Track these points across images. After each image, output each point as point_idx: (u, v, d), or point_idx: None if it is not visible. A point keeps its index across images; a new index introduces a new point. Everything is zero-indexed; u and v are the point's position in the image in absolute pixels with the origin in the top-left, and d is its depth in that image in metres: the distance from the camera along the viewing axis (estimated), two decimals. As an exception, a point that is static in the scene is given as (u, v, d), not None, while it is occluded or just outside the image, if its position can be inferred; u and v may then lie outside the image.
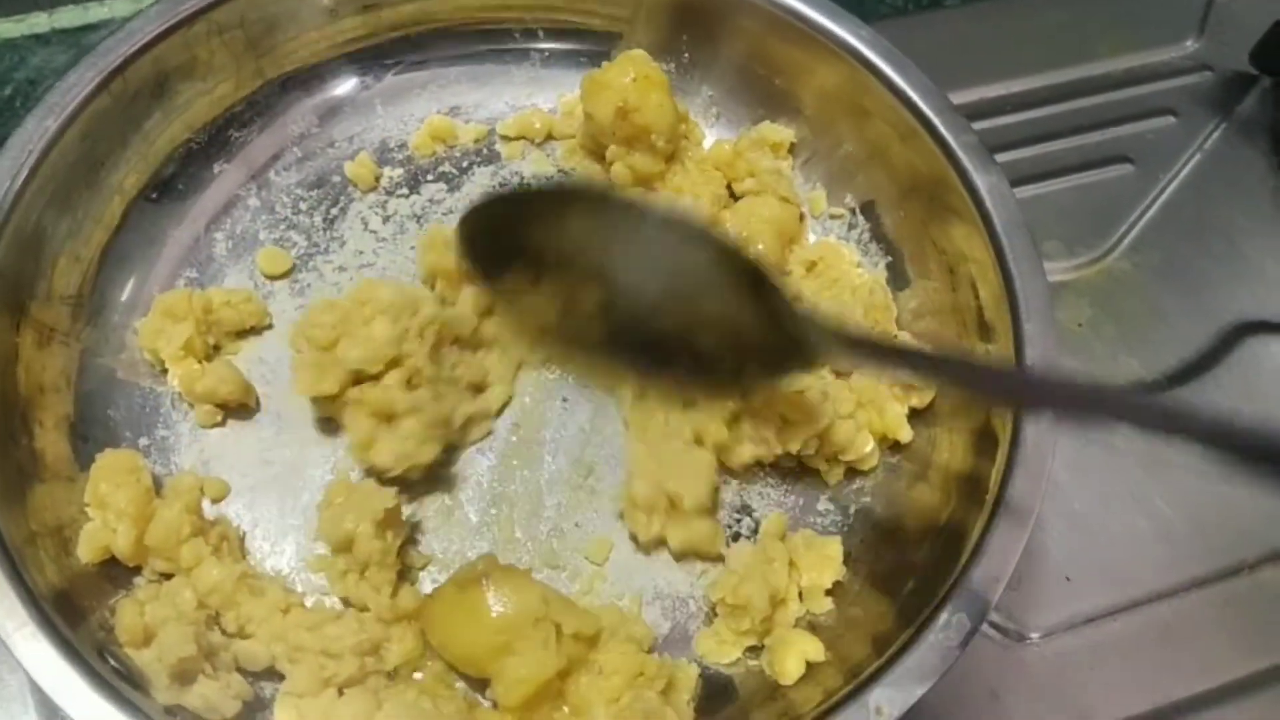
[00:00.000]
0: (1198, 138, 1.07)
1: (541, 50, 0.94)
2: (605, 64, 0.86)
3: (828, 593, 0.74)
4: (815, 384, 0.76)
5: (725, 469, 0.79)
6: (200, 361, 0.79)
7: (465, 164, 0.91)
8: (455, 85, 0.93)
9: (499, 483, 0.79)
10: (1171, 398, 0.92)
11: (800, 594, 0.74)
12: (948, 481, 0.75)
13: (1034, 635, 0.81)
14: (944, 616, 0.64)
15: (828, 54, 0.84)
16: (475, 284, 0.80)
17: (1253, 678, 0.81)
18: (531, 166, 0.91)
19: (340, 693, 0.68)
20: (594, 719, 0.67)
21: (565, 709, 0.68)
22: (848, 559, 0.76)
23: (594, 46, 0.93)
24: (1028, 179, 1.01)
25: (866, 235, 0.87)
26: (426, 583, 0.75)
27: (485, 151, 0.91)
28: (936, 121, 0.80)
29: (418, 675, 0.71)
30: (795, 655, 0.70)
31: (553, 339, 0.78)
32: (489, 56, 0.94)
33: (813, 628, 0.74)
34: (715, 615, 0.74)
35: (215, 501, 0.76)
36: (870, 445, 0.78)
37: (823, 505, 0.79)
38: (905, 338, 0.82)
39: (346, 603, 0.73)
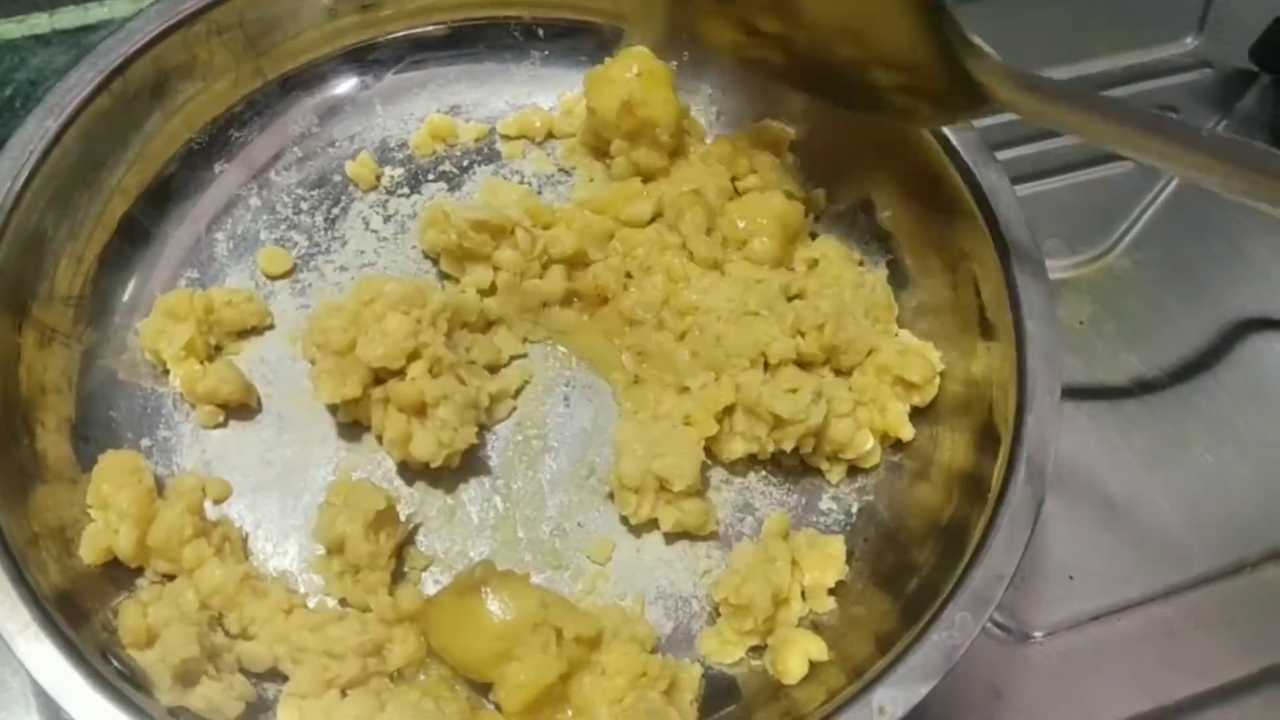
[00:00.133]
0: (1198, 135, 1.07)
1: (541, 49, 0.94)
2: (608, 60, 0.86)
3: (830, 592, 0.74)
4: (810, 383, 0.76)
5: (725, 466, 0.79)
6: (202, 362, 0.79)
7: (466, 163, 0.90)
8: (455, 84, 0.93)
9: (501, 482, 0.79)
10: (1175, 395, 0.92)
11: (803, 593, 0.74)
12: (950, 480, 0.75)
13: (1037, 634, 0.81)
14: (947, 615, 0.63)
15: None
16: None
17: (1255, 677, 0.81)
18: (532, 165, 0.91)
19: (343, 694, 0.67)
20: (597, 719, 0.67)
21: (568, 710, 0.68)
22: (850, 558, 0.76)
23: (594, 45, 0.93)
24: (1028, 176, 1.01)
25: (867, 233, 0.87)
26: (429, 583, 0.75)
27: (486, 150, 0.91)
28: (937, 120, 0.80)
29: (421, 676, 0.71)
30: (798, 655, 0.70)
31: (553, 317, 0.81)
32: (489, 55, 0.94)
33: (815, 627, 0.73)
34: (718, 615, 0.74)
35: (217, 502, 0.76)
36: (871, 443, 0.78)
37: (825, 504, 0.79)
38: (906, 336, 0.82)
39: (344, 603, 0.73)
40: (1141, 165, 1.03)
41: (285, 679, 0.69)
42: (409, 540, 0.76)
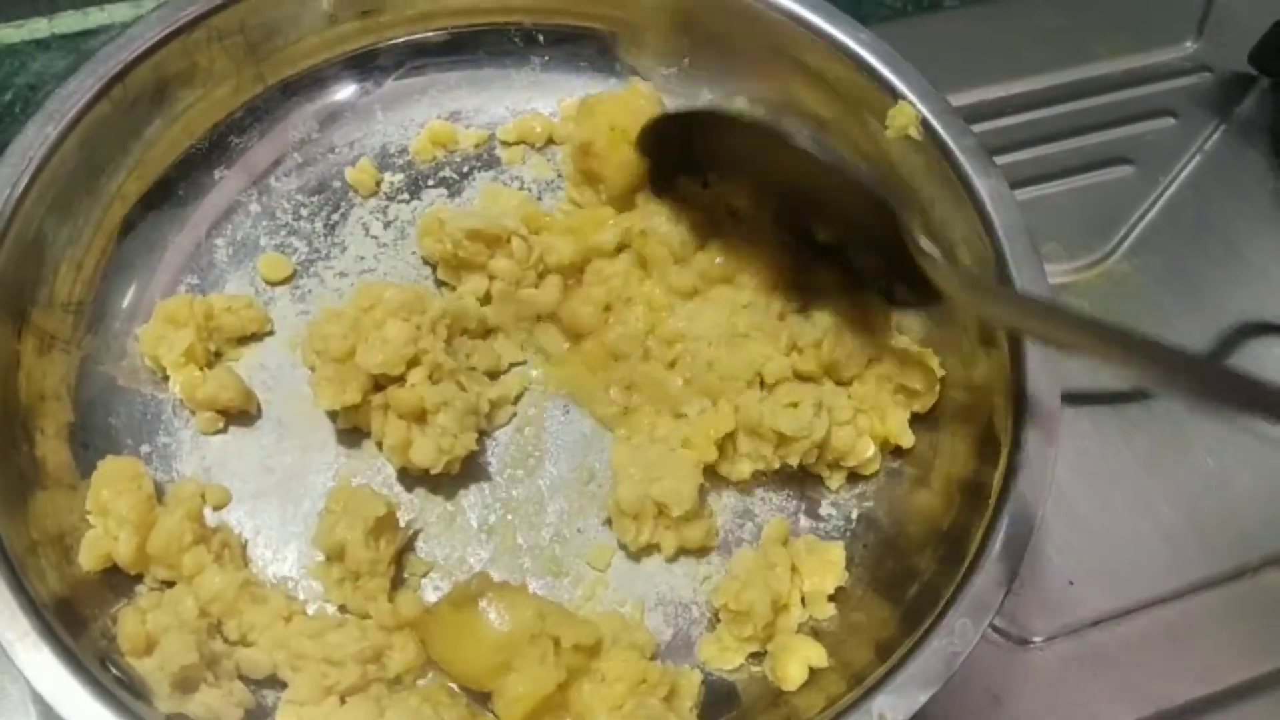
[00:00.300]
0: (1197, 139, 1.07)
1: (541, 54, 0.94)
2: (612, 92, 0.86)
3: (830, 598, 0.74)
4: (810, 394, 0.76)
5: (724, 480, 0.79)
6: (201, 368, 0.79)
7: (466, 169, 0.90)
8: (455, 90, 0.93)
9: (501, 489, 0.79)
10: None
11: (803, 599, 0.74)
12: (950, 486, 0.75)
13: (1036, 639, 0.81)
14: (947, 622, 0.64)
15: (827, 58, 0.84)
16: (653, 191, 0.84)
17: (1256, 681, 0.81)
18: (532, 171, 0.91)
19: (342, 701, 0.67)
20: (597, 727, 0.67)
21: (568, 718, 0.68)
22: (850, 564, 0.76)
23: (594, 51, 0.93)
24: (1027, 181, 1.01)
25: (867, 239, 0.87)
26: (429, 589, 0.75)
27: (485, 156, 0.91)
28: (936, 125, 0.80)
29: (420, 683, 0.71)
30: (798, 661, 0.70)
31: (541, 337, 0.82)
32: (489, 61, 0.94)
33: (815, 633, 0.73)
34: (718, 621, 0.74)
35: (217, 509, 0.76)
36: (871, 450, 0.78)
37: (825, 510, 0.79)
38: (905, 342, 0.82)
39: (343, 610, 0.73)
40: (1140, 169, 1.04)
41: (284, 686, 0.68)
42: (409, 546, 0.76)
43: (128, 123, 0.81)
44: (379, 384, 0.75)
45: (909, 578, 0.72)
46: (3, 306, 0.72)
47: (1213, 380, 0.60)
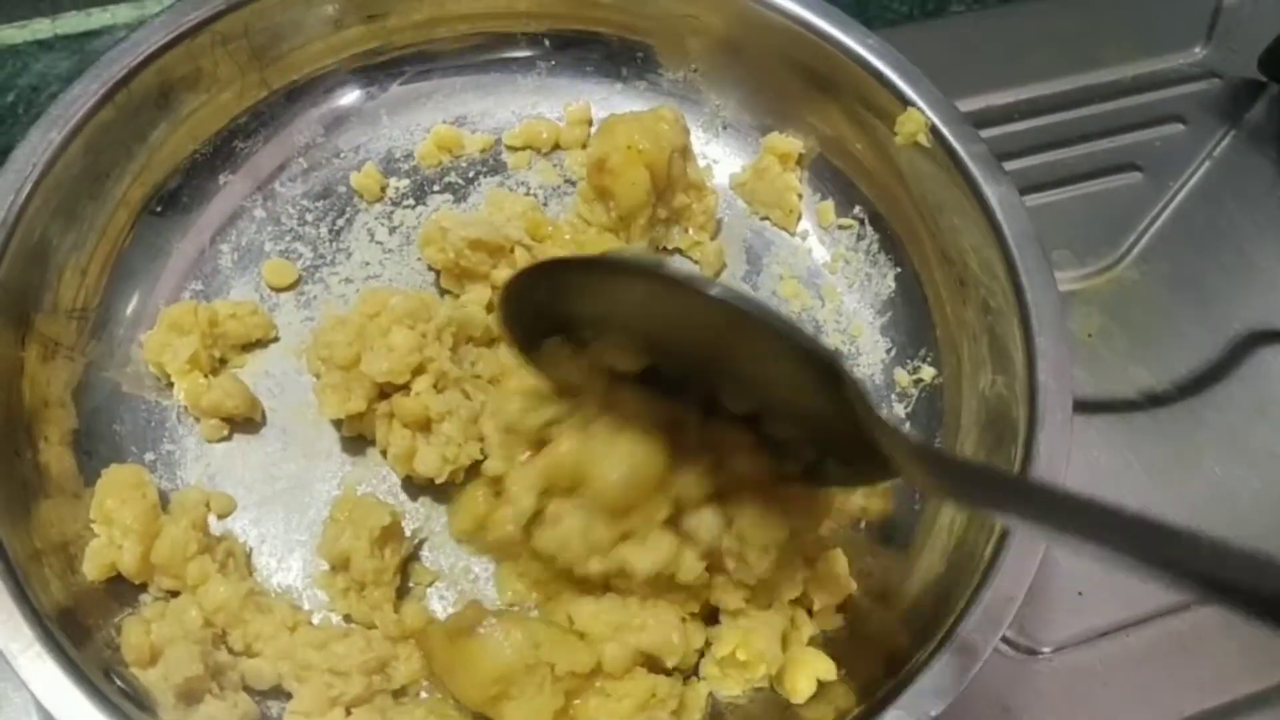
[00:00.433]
0: (1207, 145, 1.07)
1: (548, 59, 0.93)
2: (638, 113, 0.84)
3: (839, 608, 0.74)
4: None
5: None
6: (206, 375, 0.78)
7: (471, 174, 0.90)
8: (461, 95, 0.93)
9: (506, 497, 0.78)
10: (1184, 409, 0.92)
11: (810, 613, 0.73)
12: (961, 497, 0.74)
13: (1045, 650, 0.81)
14: (958, 636, 0.63)
15: (837, 63, 0.84)
16: (515, 353, 0.70)
17: (1266, 693, 0.80)
18: (538, 176, 0.90)
19: (347, 712, 0.67)
20: (605, 743, 0.66)
21: (576, 734, 0.67)
22: (858, 574, 0.75)
23: (600, 56, 0.93)
24: (1036, 187, 1.01)
25: (875, 246, 0.87)
26: (434, 599, 0.74)
27: (491, 161, 0.91)
28: (946, 132, 0.80)
29: (424, 695, 0.70)
30: (807, 674, 0.69)
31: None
32: (495, 66, 0.93)
33: (824, 644, 0.73)
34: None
35: (221, 517, 0.75)
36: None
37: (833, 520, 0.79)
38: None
39: (348, 619, 0.72)
40: (1149, 176, 1.03)
41: (289, 697, 0.68)
42: (414, 556, 0.75)
43: (132, 128, 0.80)
44: (384, 392, 0.75)
45: (919, 589, 0.71)
46: (6, 312, 0.72)
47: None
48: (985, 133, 0.81)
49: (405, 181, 0.89)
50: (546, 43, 0.93)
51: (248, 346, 0.81)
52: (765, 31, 0.86)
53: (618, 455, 0.65)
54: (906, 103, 0.81)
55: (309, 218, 0.87)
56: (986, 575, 0.65)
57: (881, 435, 0.58)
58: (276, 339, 0.82)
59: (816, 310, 0.86)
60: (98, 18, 1.06)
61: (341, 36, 0.88)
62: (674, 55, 0.91)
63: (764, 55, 0.88)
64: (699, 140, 0.90)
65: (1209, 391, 0.93)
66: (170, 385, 0.78)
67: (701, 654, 0.72)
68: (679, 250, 0.88)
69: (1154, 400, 0.92)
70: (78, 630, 0.64)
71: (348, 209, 0.88)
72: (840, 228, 0.89)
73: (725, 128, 0.92)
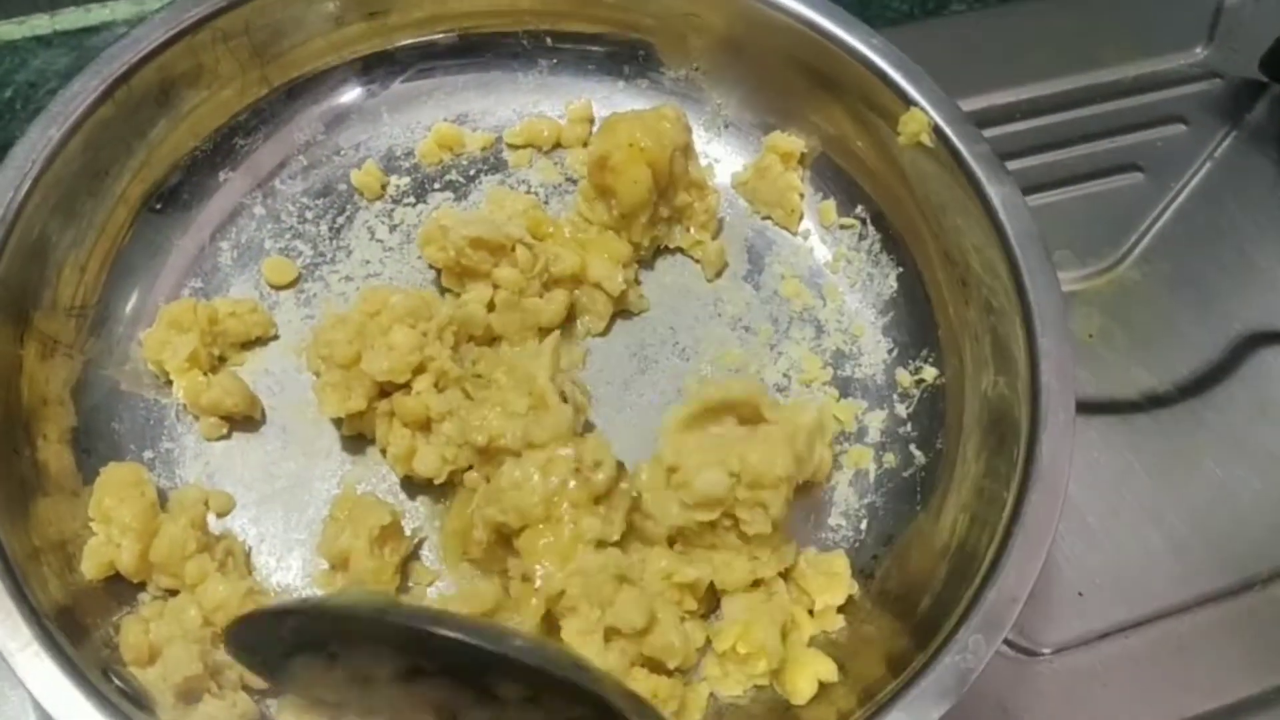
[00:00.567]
0: (1208, 146, 1.07)
1: (549, 57, 0.93)
2: (640, 112, 0.83)
3: (840, 609, 0.74)
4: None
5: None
6: (205, 373, 0.78)
7: (472, 172, 0.90)
8: (462, 93, 0.92)
9: (507, 496, 0.78)
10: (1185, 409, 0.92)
11: (811, 613, 0.73)
12: (963, 498, 0.74)
13: (1046, 651, 0.80)
14: (960, 638, 0.63)
15: (839, 62, 0.84)
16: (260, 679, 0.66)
17: (1266, 694, 0.80)
18: (539, 175, 0.90)
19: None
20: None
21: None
22: (859, 574, 0.75)
23: (602, 54, 0.93)
24: (1037, 187, 1.01)
25: (877, 245, 0.87)
26: (434, 598, 0.74)
27: (492, 159, 0.91)
28: (949, 132, 0.80)
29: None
30: (808, 675, 0.69)
31: None
32: (496, 63, 0.93)
33: (825, 645, 0.73)
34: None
35: (220, 516, 0.75)
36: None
37: (834, 520, 0.78)
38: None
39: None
40: (1150, 176, 1.03)
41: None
42: (414, 555, 0.75)
43: (132, 124, 0.80)
44: (384, 391, 0.75)
45: (921, 590, 0.71)
46: (5, 309, 0.71)
47: None
48: (985, 132, 0.81)
49: (406, 179, 0.89)
50: (548, 40, 0.92)
51: (247, 344, 0.81)
52: (768, 30, 0.86)
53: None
54: (909, 102, 0.81)
55: (309, 215, 0.87)
56: (988, 577, 0.65)
57: None
58: (276, 337, 0.82)
59: (818, 310, 0.86)
60: (96, 14, 1.06)
61: (343, 33, 0.88)
62: (676, 54, 0.91)
63: (766, 54, 0.88)
64: (701, 139, 0.90)
65: (1210, 392, 0.93)
66: (169, 383, 0.78)
67: (701, 654, 0.72)
68: (680, 249, 0.87)
69: (1155, 401, 0.92)
70: (76, 629, 0.64)
71: (348, 207, 0.87)
72: (842, 227, 0.88)
73: (727, 126, 0.92)
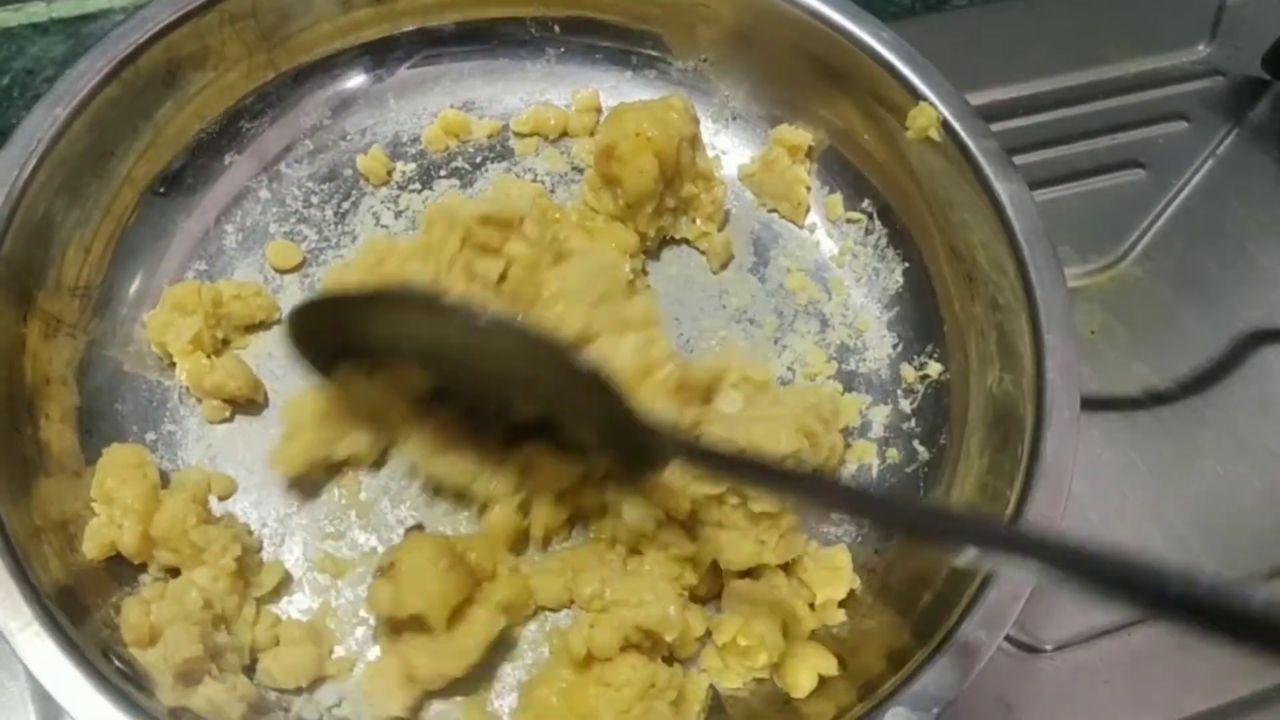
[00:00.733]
0: (1210, 143, 1.07)
1: (557, 45, 0.93)
2: (648, 102, 0.83)
3: (841, 604, 0.74)
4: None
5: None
6: (209, 356, 0.78)
7: (478, 159, 0.90)
8: (469, 79, 0.92)
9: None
10: (1186, 407, 0.92)
11: (812, 607, 0.73)
12: (967, 494, 0.74)
13: (1048, 647, 0.81)
14: (962, 633, 0.63)
15: (848, 56, 0.84)
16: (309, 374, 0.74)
17: (1268, 692, 0.81)
18: (545, 163, 0.90)
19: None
20: (604, 731, 0.66)
21: (575, 722, 0.67)
22: (861, 569, 0.75)
23: (610, 43, 0.92)
24: (1039, 183, 1.01)
25: (884, 240, 0.87)
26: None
27: (499, 147, 0.91)
28: (957, 127, 0.80)
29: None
30: (808, 669, 0.69)
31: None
32: (503, 51, 0.93)
33: (826, 640, 0.73)
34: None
35: (222, 499, 0.75)
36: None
37: (836, 514, 0.78)
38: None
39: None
40: (1152, 173, 1.03)
41: (290, 683, 0.68)
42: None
43: (138, 106, 0.80)
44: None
45: (922, 585, 0.71)
46: (9, 289, 0.71)
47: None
48: (996, 127, 0.81)
49: (412, 166, 0.89)
50: (556, 29, 0.92)
51: (251, 328, 0.81)
52: (776, 22, 0.86)
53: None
54: (918, 97, 0.81)
55: (314, 200, 0.86)
56: (991, 573, 0.65)
57: (643, 429, 0.64)
58: (280, 321, 0.82)
59: (823, 304, 0.86)
60: (94, 2, 1.06)
61: (350, 18, 0.88)
62: (684, 44, 0.91)
63: (774, 46, 0.87)
64: (708, 131, 0.90)
65: (1211, 389, 0.93)
66: (172, 365, 0.78)
67: (701, 645, 0.72)
68: (686, 240, 0.87)
69: (1156, 398, 0.92)
70: (77, 609, 0.64)
71: (353, 192, 0.87)
72: (849, 221, 0.88)
73: (734, 118, 0.92)
